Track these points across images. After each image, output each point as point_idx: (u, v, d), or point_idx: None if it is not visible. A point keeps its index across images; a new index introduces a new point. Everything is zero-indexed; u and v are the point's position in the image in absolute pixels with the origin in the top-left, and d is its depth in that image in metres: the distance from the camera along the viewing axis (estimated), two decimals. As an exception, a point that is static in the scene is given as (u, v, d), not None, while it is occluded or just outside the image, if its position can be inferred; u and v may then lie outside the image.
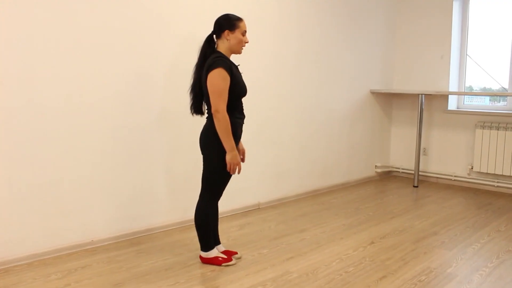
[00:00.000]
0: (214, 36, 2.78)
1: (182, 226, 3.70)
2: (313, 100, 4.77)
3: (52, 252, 3.03)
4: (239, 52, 2.79)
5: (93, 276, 2.72)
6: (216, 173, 2.77)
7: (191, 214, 3.77)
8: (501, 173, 4.94)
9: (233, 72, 2.68)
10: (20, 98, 2.82)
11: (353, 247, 3.26)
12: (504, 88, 5.15)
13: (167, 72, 3.53)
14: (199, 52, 2.79)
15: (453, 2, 5.25)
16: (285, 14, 4.36)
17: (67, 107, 3.02)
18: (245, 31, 2.77)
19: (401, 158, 5.86)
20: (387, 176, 5.88)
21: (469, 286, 2.64)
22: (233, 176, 3.93)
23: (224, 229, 3.62)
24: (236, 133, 2.77)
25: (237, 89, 2.71)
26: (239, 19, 2.75)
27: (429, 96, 5.47)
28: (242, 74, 2.84)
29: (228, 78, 2.63)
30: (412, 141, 5.67)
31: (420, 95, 5.26)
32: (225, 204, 4.00)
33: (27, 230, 2.92)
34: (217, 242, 3.01)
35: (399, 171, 5.87)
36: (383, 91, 5.55)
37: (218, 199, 2.89)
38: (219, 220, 3.88)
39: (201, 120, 3.78)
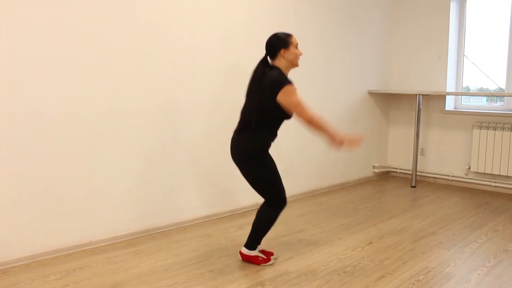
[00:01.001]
0: (268, 57, 2.85)
1: (181, 226, 3.69)
2: (311, 101, 4.74)
3: (51, 253, 3.02)
4: (297, 65, 2.89)
5: (91, 277, 2.72)
6: (266, 184, 2.83)
7: (189, 214, 3.77)
8: (498, 173, 4.96)
9: None
10: (21, 101, 2.81)
11: (351, 247, 3.27)
12: (501, 88, 5.17)
13: (173, 77, 3.54)
14: (253, 73, 2.86)
15: (450, 2, 5.27)
16: (282, 15, 4.36)
17: (66, 111, 3.02)
18: (297, 44, 2.86)
19: (399, 158, 5.87)
20: (385, 176, 5.89)
21: (467, 286, 2.65)
22: (230, 176, 3.93)
23: (223, 229, 3.62)
24: (264, 148, 2.83)
25: (286, 110, 2.77)
26: (289, 35, 2.85)
27: (426, 97, 5.48)
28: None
29: (296, 91, 2.72)
30: (410, 142, 5.68)
31: (417, 95, 5.27)
32: (223, 204, 4.00)
33: (25, 231, 2.92)
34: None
35: (397, 171, 5.89)
36: (380, 92, 5.57)
37: (283, 201, 2.89)
38: (219, 220, 3.88)
39: (202, 119, 3.77)
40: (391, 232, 3.62)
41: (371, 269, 2.89)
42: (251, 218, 3.93)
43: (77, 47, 3.04)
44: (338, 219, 3.98)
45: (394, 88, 5.82)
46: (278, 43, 2.82)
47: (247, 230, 3.58)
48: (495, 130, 4.94)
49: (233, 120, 3.89)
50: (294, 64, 2.86)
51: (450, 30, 5.30)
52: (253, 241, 2.96)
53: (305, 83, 4.68)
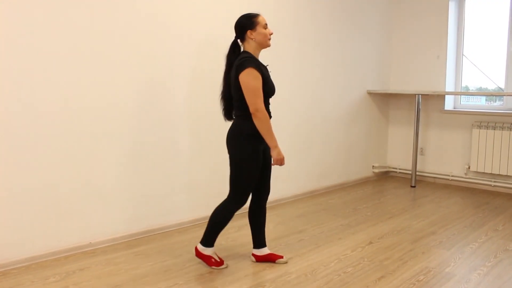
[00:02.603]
0: (239, 40, 2.79)
1: (181, 227, 3.69)
2: (310, 101, 4.78)
3: (51, 255, 3.02)
4: (268, 45, 2.79)
5: (91, 278, 2.72)
6: (242, 174, 2.77)
7: (189, 215, 3.77)
8: (498, 173, 4.96)
9: (262, 71, 2.69)
10: (18, 102, 2.81)
11: (351, 248, 3.27)
12: (500, 87, 5.17)
13: (173, 76, 3.53)
14: (225, 59, 2.81)
15: (449, 2, 5.27)
16: (281, 15, 4.37)
17: (64, 111, 3.02)
18: (266, 24, 2.77)
19: (398, 158, 5.87)
20: (385, 176, 5.89)
21: (467, 286, 2.65)
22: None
23: (222, 230, 3.61)
24: (257, 134, 2.76)
25: (266, 89, 2.72)
26: (256, 15, 2.76)
27: (425, 96, 5.49)
28: (270, 73, 2.86)
29: (259, 76, 2.64)
30: (409, 141, 5.69)
31: (416, 95, 5.27)
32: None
33: (25, 232, 2.91)
34: (262, 244, 2.99)
35: (396, 171, 5.89)
36: (380, 92, 5.57)
37: (243, 203, 2.84)
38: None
39: (203, 121, 3.78)
40: (391, 232, 3.62)
41: (371, 269, 2.89)
42: (251, 218, 3.95)
43: (73, 44, 3.04)
44: (338, 219, 3.98)
45: (393, 88, 5.83)
46: (244, 24, 2.73)
47: (247, 230, 3.59)
48: (494, 129, 4.95)
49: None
50: (264, 44, 2.76)
51: (449, 29, 5.31)
52: (207, 237, 2.88)
53: (304, 83, 4.69)
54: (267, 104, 2.80)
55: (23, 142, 2.86)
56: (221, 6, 3.82)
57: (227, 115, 2.88)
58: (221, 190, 3.98)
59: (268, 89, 2.75)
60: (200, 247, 2.90)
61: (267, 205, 4.33)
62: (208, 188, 3.90)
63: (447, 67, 5.36)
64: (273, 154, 2.72)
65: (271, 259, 2.99)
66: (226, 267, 2.90)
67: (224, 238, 3.45)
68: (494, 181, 5.05)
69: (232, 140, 2.77)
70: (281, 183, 4.55)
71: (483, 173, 5.12)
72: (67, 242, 3.10)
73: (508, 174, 4.90)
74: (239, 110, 2.74)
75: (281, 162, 2.74)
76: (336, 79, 5.07)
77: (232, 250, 3.20)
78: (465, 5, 5.36)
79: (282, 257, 3.00)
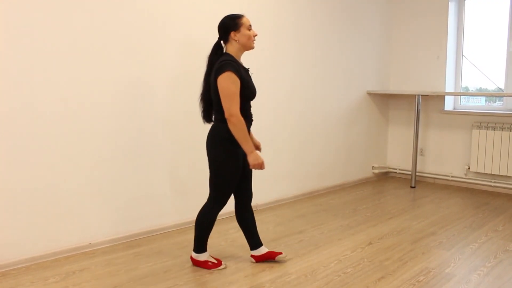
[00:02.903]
0: (222, 41, 2.75)
1: (180, 228, 3.69)
2: (309, 102, 4.78)
3: (50, 255, 3.02)
4: (252, 47, 2.76)
5: (91, 279, 2.72)
6: (220, 176, 2.76)
7: (189, 216, 3.77)
8: (497, 173, 4.96)
9: (242, 74, 2.65)
10: (17, 102, 2.81)
11: (351, 248, 3.27)
12: (500, 88, 5.17)
13: (166, 76, 3.53)
14: (207, 60, 2.77)
15: (449, 2, 5.27)
16: (281, 16, 4.37)
17: (64, 111, 3.02)
18: (250, 25, 2.73)
19: (398, 159, 5.87)
20: (385, 177, 5.89)
21: (467, 286, 2.65)
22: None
23: (222, 231, 3.62)
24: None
25: (247, 92, 2.69)
26: (240, 16, 2.72)
27: (425, 97, 5.49)
28: (252, 76, 2.83)
29: (238, 81, 2.60)
30: (409, 142, 5.69)
31: (416, 95, 5.27)
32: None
33: (24, 233, 2.91)
34: (258, 244, 2.99)
35: (396, 172, 5.89)
36: (379, 92, 5.57)
37: (223, 204, 2.83)
38: (219, 221, 3.88)
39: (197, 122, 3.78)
40: (391, 233, 3.62)
41: (371, 270, 2.89)
42: (251, 219, 3.94)
43: (73, 44, 3.04)
44: (338, 220, 3.98)
45: (393, 89, 5.83)
46: (227, 25, 2.69)
47: (247, 231, 3.58)
48: (494, 130, 4.95)
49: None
50: (247, 46, 2.73)
51: (448, 30, 5.31)
52: (197, 244, 2.89)
53: (304, 83, 4.68)
54: (248, 107, 2.77)
55: (23, 142, 2.86)
56: (221, 7, 3.82)
57: (206, 117, 2.84)
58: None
59: (249, 93, 2.72)
60: (194, 255, 2.92)
61: (267, 206, 4.36)
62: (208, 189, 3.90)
63: (447, 67, 5.36)
64: (250, 159, 2.66)
65: (270, 257, 2.98)
66: (225, 267, 2.90)
67: (224, 238, 3.45)
68: (494, 182, 5.05)
69: (211, 143, 2.75)
70: (281, 183, 4.55)
71: (483, 173, 5.12)
72: (67, 243, 3.10)
73: (508, 175, 4.90)
74: (218, 114, 2.71)
75: (260, 166, 2.68)
76: (336, 79, 5.07)
77: (231, 251, 3.19)
78: (465, 5, 5.36)
79: (281, 253, 3.00)
